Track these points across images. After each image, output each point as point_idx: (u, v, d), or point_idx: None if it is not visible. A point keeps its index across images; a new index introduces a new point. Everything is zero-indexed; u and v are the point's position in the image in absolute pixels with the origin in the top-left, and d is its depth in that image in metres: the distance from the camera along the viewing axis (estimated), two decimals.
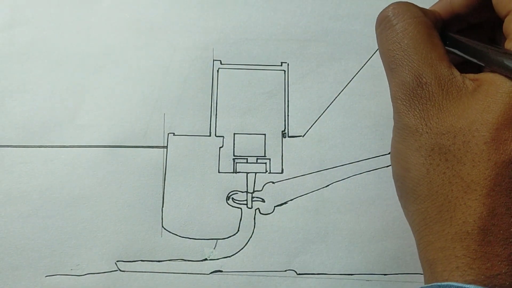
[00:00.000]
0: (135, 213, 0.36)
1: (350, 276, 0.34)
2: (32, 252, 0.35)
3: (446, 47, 0.29)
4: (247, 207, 0.36)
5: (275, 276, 0.34)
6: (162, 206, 0.36)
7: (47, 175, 0.37)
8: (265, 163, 0.37)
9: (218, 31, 0.41)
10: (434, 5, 0.31)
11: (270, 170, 0.37)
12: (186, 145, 0.38)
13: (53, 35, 0.41)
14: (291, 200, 0.36)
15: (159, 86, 0.39)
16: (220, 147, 0.37)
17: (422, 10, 0.29)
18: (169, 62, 0.40)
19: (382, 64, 0.40)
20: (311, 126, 0.38)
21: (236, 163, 0.37)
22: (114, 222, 0.36)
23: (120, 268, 0.35)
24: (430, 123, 0.25)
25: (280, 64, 0.40)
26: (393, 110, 0.28)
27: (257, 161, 0.37)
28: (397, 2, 0.29)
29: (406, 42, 0.27)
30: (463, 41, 0.28)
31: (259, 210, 0.36)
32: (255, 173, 0.37)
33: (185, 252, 0.35)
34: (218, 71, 0.40)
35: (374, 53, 0.40)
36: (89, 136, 0.38)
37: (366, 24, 0.41)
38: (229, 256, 0.35)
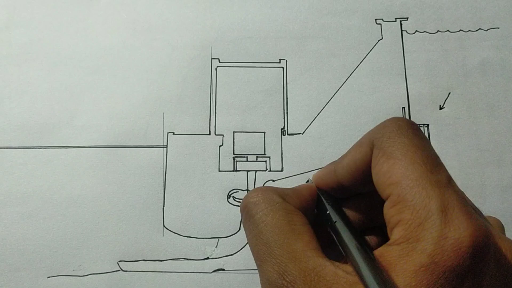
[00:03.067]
0: (136, 213, 0.36)
1: None
2: (33, 254, 0.35)
3: (329, 227, 0.26)
4: None
5: None
6: (163, 206, 0.36)
7: (47, 176, 0.37)
8: (265, 161, 0.37)
9: (216, 29, 0.41)
10: (319, 171, 0.29)
11: (270, 168, 0.37)
12: (186, 144, 0.38)
13: (51, 36, 0.40)
14: None
15: (158, 85, 0.39)
16: (220, 146, 0.37)
17: (283, 194, 0.26)
18: (168, 61, 0.40)
19: (381, 59, 0.40)
20: (310, 123, 0.38)
21: (236, 161, 0.37)
22: (115, 222, 0.36)
23: (122, 268, 0.35)
24: None
25: (278, 61, 0.40)
26: None
27: (257, 159, 0.37)
28: (257, 188, 0.27)
29: (266, 234, 0.24)
30: (339, 230, 0.26)
31: None
32: (255, 171, 0.37)
33: (187, 251, 0.35)
34: (216, 69, 0.39)
35: (373, 48, 0.40)
36: (89, 136, 0.38)
37: (364, 19, 0.41)
38: (231, 255, 0.35)
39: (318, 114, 0.38)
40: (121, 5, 0.41)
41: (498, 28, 0.41)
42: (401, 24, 0.41)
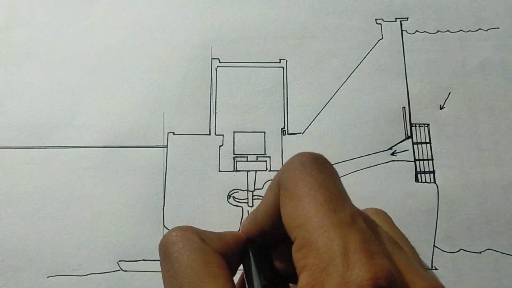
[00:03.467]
0: (137, 213, 0.36)
1: None
2: (33, 253, 0.35)
3: (246, 270, 0.26)
4: (248, 205, 0.36)
5: None
6: (163, 206, 0.36)
7: (47, 175, 0.37)
8: (265, 161, 0.37)
9: (216, 29, 0.41)
10: (244, 220, 0.29)
11: (270, 168, 0.37)
12: (186, 144, 0.38)
13: (51, 36, 0.40)
14: None
15: (158, 85, 0.39)
16: (220, 146, 0.37)
17: (204, 236, 0.26)
18: (168, 61, 0.40)
19: (381, 59, 0.40)
20: (311, 123, 0.38)
21: (236, 161, 0.37)
22: (116, 222, 0.36)
23: (122, 268, 0.35)
24: None
25: (278, 61, 0.40)
26: None
27: (257, 159, 0.37)
28: (178, 227, 0.26)
29: (180, 275, 0.24)
30: (252, 275, 0.26)
31: None
32: (256, 171, 0.37)
33: None
34: (216, 69, 0.39)
35: (373, 48, 0.40)
36: (89, 136, 0.38)
37: (364, 19, 0.41)
38: None
39: (318, 114, 0.38)
40: (121, 5, 0.41)
41: (498, 28, 0.41)
42: (401, 24, 0.41)
